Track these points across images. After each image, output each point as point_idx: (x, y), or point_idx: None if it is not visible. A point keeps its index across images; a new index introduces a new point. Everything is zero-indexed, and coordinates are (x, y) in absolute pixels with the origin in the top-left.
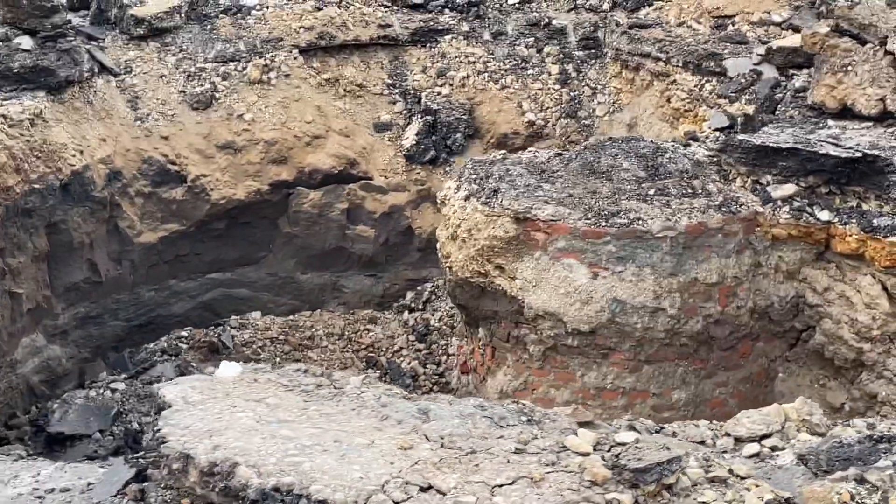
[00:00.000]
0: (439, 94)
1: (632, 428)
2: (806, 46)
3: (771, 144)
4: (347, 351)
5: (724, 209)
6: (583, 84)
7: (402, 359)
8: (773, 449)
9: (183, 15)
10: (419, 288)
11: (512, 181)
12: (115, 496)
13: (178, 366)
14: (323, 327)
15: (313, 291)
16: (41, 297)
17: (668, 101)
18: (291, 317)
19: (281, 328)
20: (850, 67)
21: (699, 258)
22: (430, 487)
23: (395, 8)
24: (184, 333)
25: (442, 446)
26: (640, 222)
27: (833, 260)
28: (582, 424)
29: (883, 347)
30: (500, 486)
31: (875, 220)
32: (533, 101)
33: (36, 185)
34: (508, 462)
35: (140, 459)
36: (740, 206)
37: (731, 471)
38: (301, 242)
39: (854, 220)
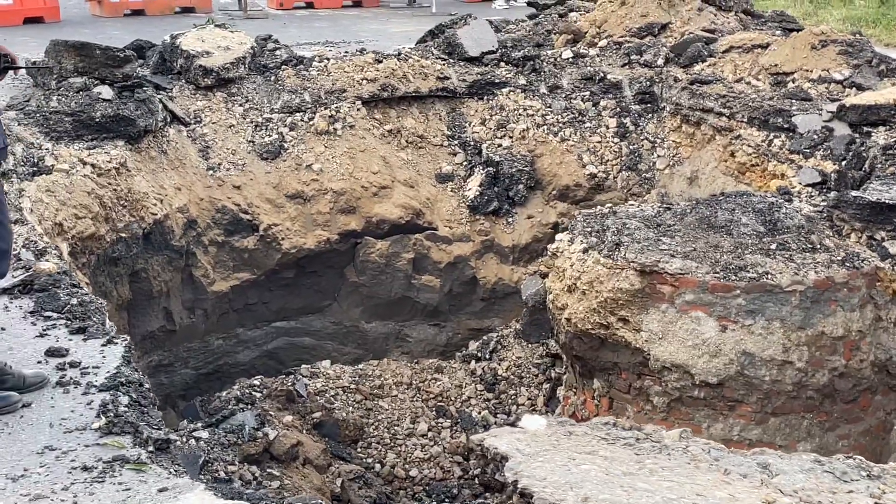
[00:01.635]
0: (500, 145)
1: None
2: None
3: (886, 201)
4: (417, 400)
5: (847, 264)
6: (641, 137)
7: (471, 408)
8: None
9: (247, 66)
10: (485, 337)
11: (631, 234)
12: None
13: (258, 415)
14: (391, 376)
15: (377, 340)
16: None
17: (733, 155)
18: (360, 366)
19: (351, 377)
20: None
21: (826, 312)
22: None
23: (451, 61)
24: (255, 382)
25: (801, 500)
26: (769, 276)
27: None
28: None
29: None
30: None
31: None
32: (592, 154)
33: (122, 234)
34: None
35: None
36: (861, 260)
37: None
38: (367, 291)
39: None
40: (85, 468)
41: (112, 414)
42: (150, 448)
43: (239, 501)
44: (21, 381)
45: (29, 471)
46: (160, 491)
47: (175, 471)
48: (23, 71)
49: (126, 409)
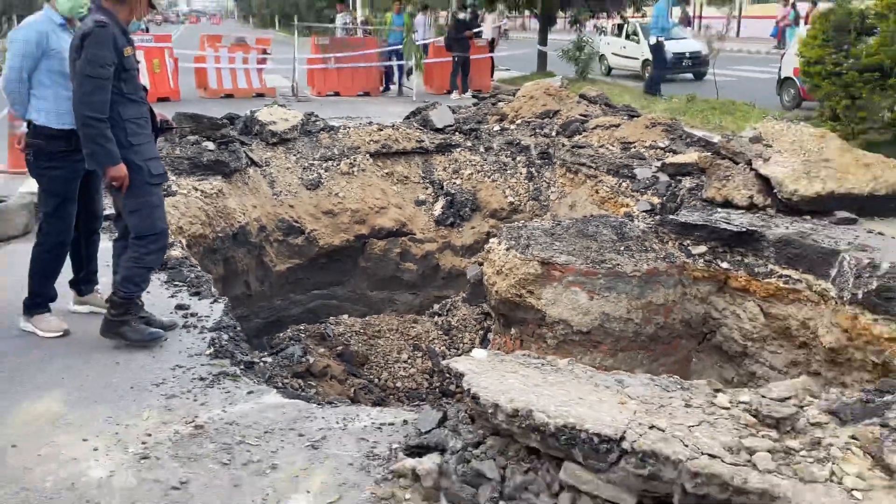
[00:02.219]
0: (455, 183)
1: (727, 392)
2: (700, 163)
3: (689, 222)
4: (401, 340)
5: (666, 260)
6: (541, 180)
7: (435, 345)
8: (800, 406)
9: (298, 131)
10: (444, 301)
11: (535, 239)
12: (437, 426)
13: (302, 347)
14: (385, 325)
15: (377, 303)
16: None
17: (597, 192)
18: (366, 318)
19: (360, 325)
20: (729, 177)
21: (653, 289)
22: (653, 427)
23: (425, 130)
24: (301, 327)
25: (642, 402)
26: (619, 266)
27: (728, 292)
28: (716, 390)
29: (759, 344)
30: (692, 426)
31: (755, 269)
32: (511, 190)
33: (219, 234)
34: (686, 413)
35: (442, 407)
36: (675, 258)
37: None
38: (371, 272)
39: (742, 268)
40: (201, 378)
41: (217, 345)
42: (242, 367)
43: (297, 399)
44: (161, 324)
45: (166, 380)
46: (248, 393)
47: (257, 381)
48: None
49: (226, 342)
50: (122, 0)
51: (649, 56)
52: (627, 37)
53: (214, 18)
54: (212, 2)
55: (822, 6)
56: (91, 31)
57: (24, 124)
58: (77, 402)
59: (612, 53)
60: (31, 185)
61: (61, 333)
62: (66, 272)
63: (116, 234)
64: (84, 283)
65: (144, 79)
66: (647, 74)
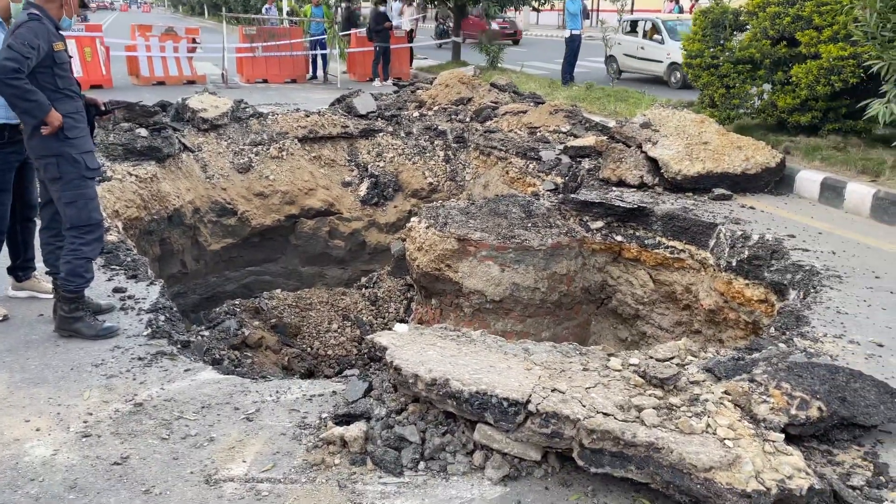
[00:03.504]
0: (378, 166)
1: (619, 355)
2: (597, 146)
3: (588, 200)
4: (331, 311)
5: (568, 235)
6: (458, 162)
7: (362, 314)
8: (682, 365)
9: (229, 117)
10: (371, 275)
11: (452, 218)
12: (363, 396)
13: (238, 321)
14: (316, 298)
15: (309, 277)
16: None
17: (507, 173)
18: (298, 292)
19: (293, 299)
20: (622, 159)
21: (557, 261)
22: (554, 390)
23: (350, 116)
24: (236, 302)
25: (545, 368)
26: (527, 241)
27: (622, 262)
28: (610, 354)
29: (649, 308)
30: (588, 388)
31: (645, 241)
32: (430, 171)
33: (154, 217)
34: (584, 376)
35: (369, 377)
36: (576, 232)
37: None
38: (302, 250)
39: (634, 241)
40: (140, 358)
41: (155, 326)
42: (178, 346)
43: (232, 376)
44: (98, 307)
45: (105, 360)
46: (185, 371)
47: (194, 359)
48: None
49: (163, 323)
50: None
51: (677, 59)
52: (646, 35)
53: (144, 7)
54: None
55: (702, 2)
56: (24, 21)
57: None
58: (19, 384)
59: (625, 55)
60: None
61: (1, 318)
62: (3, 259)
63: (41, 224)
64: (21, 269)
65: (76, 66)
66: (672, 79)
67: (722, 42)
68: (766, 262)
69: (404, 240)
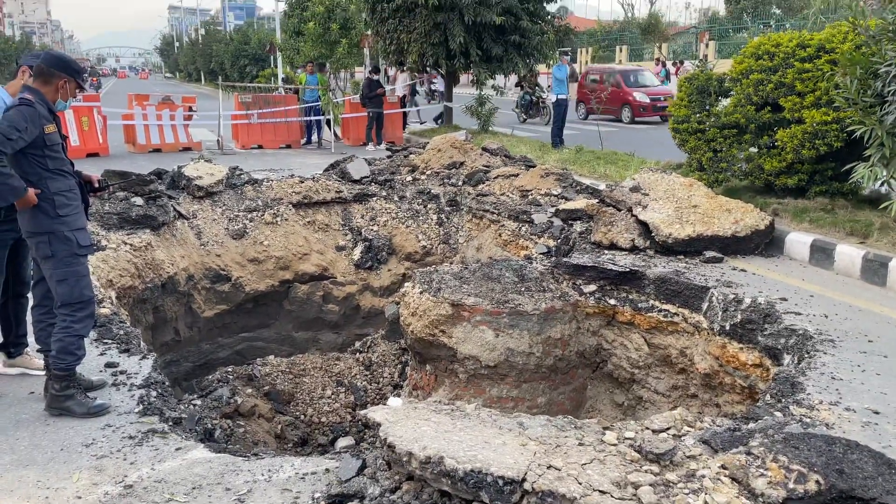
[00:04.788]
0: (372, 230)
1: (615, 429)
2: (588, 209)
3: (581, 264)
4: (325, 377)
5: (561, 299)
6: (451, 225)
7: (356, 379)
8: (678, 436)
9: (224, 184)
10: (364, 339)
11: (446, 283)
12: (356, 475)
13: (230, 389)
14: (309, 364)
15: (303, 342)
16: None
17: (500, 235)
18: (291, 358)
19: (286, 365)
20: (613, 222)
21: (552, 325)
22: (550, 466)
23: (343, 181)
24: (229, 369)
25: (540, 443)
26: (521, 306)
27: (616, 325)
28: (605, 428)
29: (645, 371)
30: (584, 464)
31: (639, 304)
32: (424, 235)
33: (148, 285)
34: (579, 451)
35: (361, 454)
36: (569, 296)
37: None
38: (296, 315)
39: (627, 304)
40: (130, 437)
41: (146, 402)
42: (170, 423)
43: (223, 454)
44: (90, 384)
45: (96, 440)
46: (177, 449)
47: (185, 437)
48: None
49: (155, 398)
50: (47, 82)
51: None
52: None
53: (142, 73)
54: (139, 57)
55: (687, 65)
56: (14, 104)
57: None
58: (7, 466)
59: None
60: None
61: None
62: None
63: (33, 301)
64: (13, 345)
65: (73, 135)
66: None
67: (707, 108)
68: (760, 326)
69: (398, 303)
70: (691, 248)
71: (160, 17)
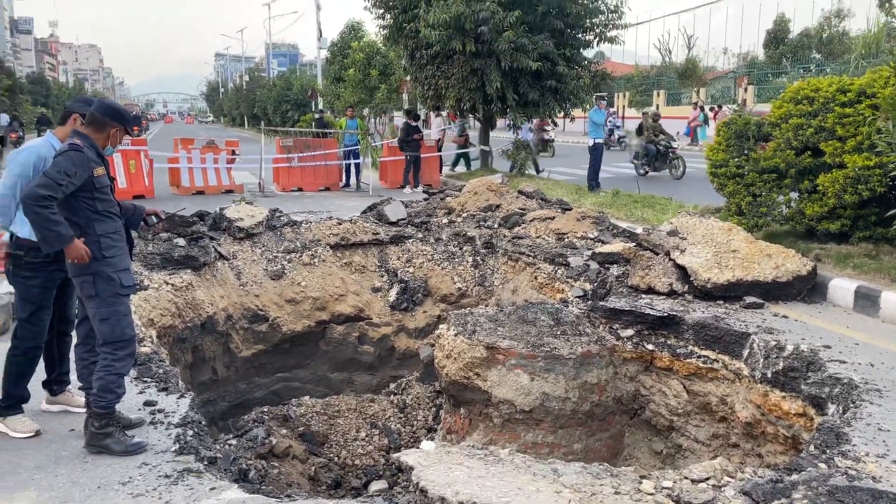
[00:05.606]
0: (407, 271)
1: (652, 477)
2: (625, 253)
3: (618, 307)
4: (359, 419)
5: (598, 343)
6: (486, 267)
7: (390, 422)
8: (718, 487)
9: (264, 226)
10: (399, 381)
11: (481, 325)
12: None
13: (266, 429)
14: (344, 405)
15: (338, 383)
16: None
17: (536, 278)
18: (326, 399)
19: (321, 406)
20: (651, 266)
21: (588, 370)
22: None
23: (380, 224)
24: (264, 409)
25: (575, 491)
26: (556, 350)
27: (654, 371)
28: (642, 476)
29: (684, 419)
30: None
31: (677, 350)
32: (459, 277)
33: (188, 324)
34: (615, 500)
35: (394, 499)
36: (606, 341)
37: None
38: (331, 355)
39: (666, 350)
40: (166, 476)
41: (183, 441)
42: (206, 463)
43: (258, 495)
44: (129, 422)
45: (132, 478)
46: (211, 489)
47: (220, 476)
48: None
49: (191, 438)
50: (99, 129)
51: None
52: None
53: (187, 118)
54: (185, 102)
55: (725, 109)
56: (64, 150)
57: (6, 234)
58: (45, 503)
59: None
60: (9, 286)
61: (33, 434)
62: (39, 372)
63: (77, 340)
64: (56, 383)
65: (120, 178)
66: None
67: (746, 153)
68: (803, 375)
69: (433, 345)
70: (731, 293)
71: (206, 63)
